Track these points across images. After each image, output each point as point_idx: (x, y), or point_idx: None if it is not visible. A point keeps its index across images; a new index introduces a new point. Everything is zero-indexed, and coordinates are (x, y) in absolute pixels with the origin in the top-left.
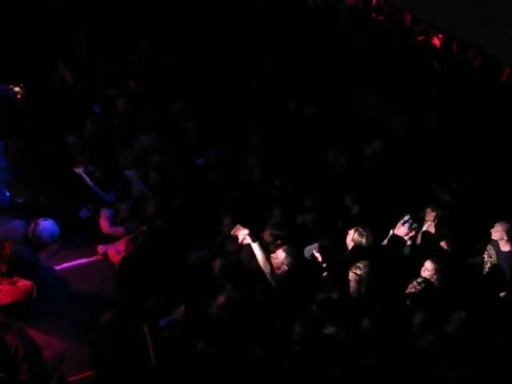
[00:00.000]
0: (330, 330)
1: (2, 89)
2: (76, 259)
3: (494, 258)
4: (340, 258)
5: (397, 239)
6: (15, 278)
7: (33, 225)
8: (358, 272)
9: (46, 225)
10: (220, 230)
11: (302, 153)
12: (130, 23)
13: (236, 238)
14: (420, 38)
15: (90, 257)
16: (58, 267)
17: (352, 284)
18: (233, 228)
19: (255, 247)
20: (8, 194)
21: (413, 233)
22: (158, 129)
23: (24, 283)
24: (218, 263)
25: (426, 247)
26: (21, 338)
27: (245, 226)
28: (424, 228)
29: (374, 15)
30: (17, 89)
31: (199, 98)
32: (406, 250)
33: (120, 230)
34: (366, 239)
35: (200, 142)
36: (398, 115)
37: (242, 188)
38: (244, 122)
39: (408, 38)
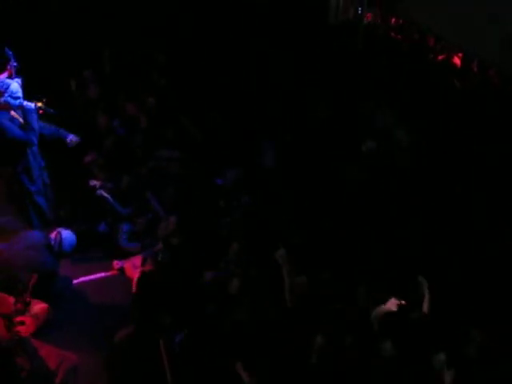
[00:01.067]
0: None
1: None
2: (93, 273)
3: None
4: None
5: None
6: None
7: (55, 233)
8: None
9: (67, 234)
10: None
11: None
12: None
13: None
14: (441, 57)
15: (107, 271)
16: (74, 281)
17: None
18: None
19: (285, 270)
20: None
21: None
22: (176, 145)
23: (40, 308)
24: (235, 283)
25: None
26: (32, 359)
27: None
28: None
29: (393, 34)
30: (39, 104)
31: (215, 111)
32: None
33: (137, 245)
34: None
35: (218, 159)
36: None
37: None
38: (260, 138)
39: (428, 57)
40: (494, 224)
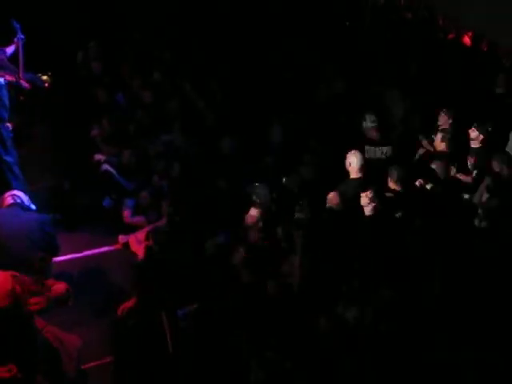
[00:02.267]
0: None
1: (30, 77)
2: (98, 247)
3: None
4: None
5: None
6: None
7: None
8: None
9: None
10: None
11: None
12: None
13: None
14: (450, 36)
15: (112, 245)
16: (79, 254)
17: None
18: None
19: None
20: None
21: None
22: (181, 120)
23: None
24: (240, 252)
25: None
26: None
27: None
28: None
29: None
30: (45, 77)
31: (219, 88)
32: None
33: (141, 219)
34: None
35: (220, 131)
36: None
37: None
38: (265, 115)
39: (437, 35)
40: None
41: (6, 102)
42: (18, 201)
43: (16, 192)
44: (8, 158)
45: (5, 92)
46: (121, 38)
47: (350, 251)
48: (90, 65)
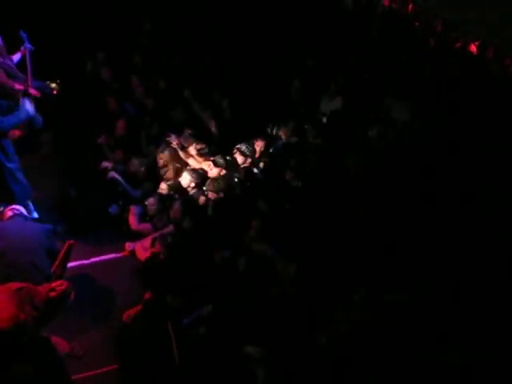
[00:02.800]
0: None
1: (39, 85)
2: (104, 254)
3: None
4: None
5: None
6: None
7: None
8: None
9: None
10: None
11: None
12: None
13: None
14: (457, 45)
15: (118, 253)
16: (86, 261)
17: None
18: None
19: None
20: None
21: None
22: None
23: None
24: (242, 262)
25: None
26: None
27: None
28: None
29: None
30: (53, 85)
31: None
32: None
33: (148, 226)
34: None
35: (227, 140)
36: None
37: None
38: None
39: (444, 44)
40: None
41: (5, 109)
42: (18, 213)
43: (15, 206)
44: (10, 165)
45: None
46: (130, 45)
47: None
48: (100, 72)
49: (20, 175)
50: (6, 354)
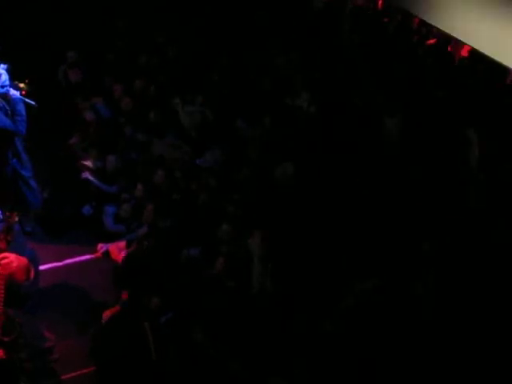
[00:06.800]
0: None
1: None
2: (78, 256)
3: None
4: None
5: None
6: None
7: None
8: None
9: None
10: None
11: None
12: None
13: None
14: (430, 42)
15: (92, 254)
16: (59, 263)
17: None
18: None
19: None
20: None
21: None
22: (162, 127)
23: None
24: (220, 261)
25: None
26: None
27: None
28: None
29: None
30: (22, 85)
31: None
32: None
33: (122, 227)
34: None
35: (200, 140)
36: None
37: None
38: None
39: (414, 41)
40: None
41: (24, 116)
42: None
43: None
44: (24, 172)
45: (22, 106)
46: (102, 45)
47: None
48: (70, 72)
49: (33, 183)
50: None
